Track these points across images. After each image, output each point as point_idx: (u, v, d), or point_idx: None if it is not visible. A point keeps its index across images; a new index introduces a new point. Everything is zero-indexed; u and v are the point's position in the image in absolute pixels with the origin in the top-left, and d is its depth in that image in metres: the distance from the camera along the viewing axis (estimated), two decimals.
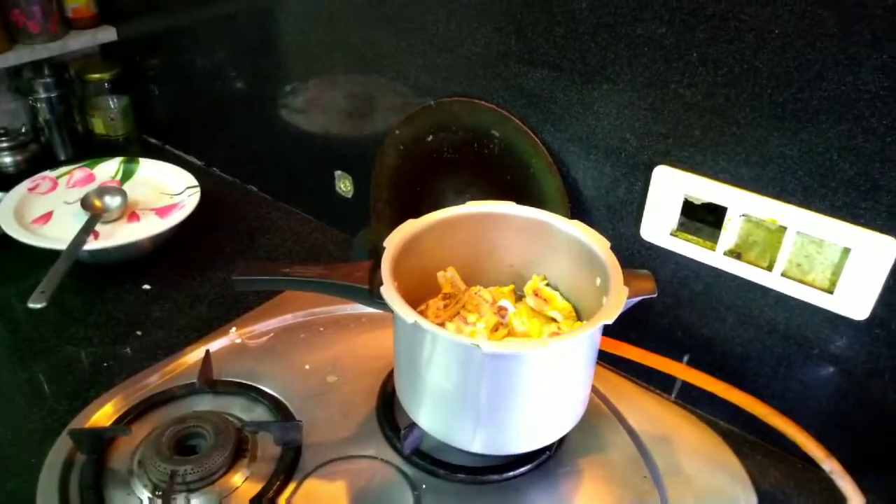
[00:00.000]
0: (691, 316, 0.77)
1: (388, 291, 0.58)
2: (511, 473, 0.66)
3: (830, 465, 0.66)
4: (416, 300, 0.71)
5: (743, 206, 0.67)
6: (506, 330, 0.67)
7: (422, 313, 0.70)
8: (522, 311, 0.68)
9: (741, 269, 0.70)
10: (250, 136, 1.16)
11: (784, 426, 0.68)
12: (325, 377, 0.77)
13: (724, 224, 0.69)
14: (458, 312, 0.69)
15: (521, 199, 0.82)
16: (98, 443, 0.66)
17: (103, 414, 0.71)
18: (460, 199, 0.89)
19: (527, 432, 0.62)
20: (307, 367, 0.78)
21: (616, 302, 0.58)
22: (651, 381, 0.81)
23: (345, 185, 1.05)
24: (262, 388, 0.75)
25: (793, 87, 0.60)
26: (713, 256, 0.71)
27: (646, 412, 0.75)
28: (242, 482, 0.65)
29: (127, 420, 0.70)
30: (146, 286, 0.97)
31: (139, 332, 0.89)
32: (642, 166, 0.73)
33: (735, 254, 0.70)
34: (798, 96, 0.60)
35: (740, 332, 0.74)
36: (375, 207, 0.96)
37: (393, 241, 0.64)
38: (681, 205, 0.72)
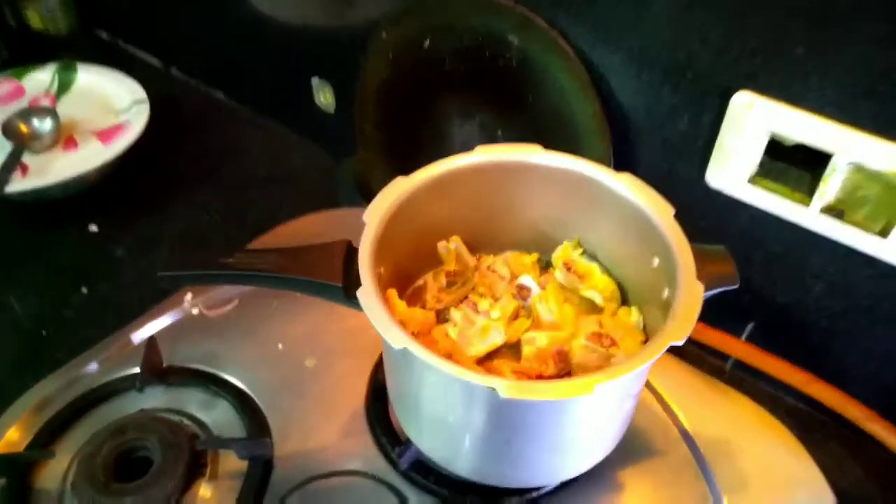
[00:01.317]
0: (764, 280, 0.60)
1: (368, 298, 0.41)
2: (535, 494, 0.53)
3: None
4: (411, 273, 0.55)
5: (855, 151, 0.49)
6: (528, 320, 0.51)
7: (418, 293, 0.54)
8: (550, 294, 0.52)
9: (842, 232, 0.53)
10: (215, 28, 0.95)
11: (882, 432, 0.54)
12: (302, 360, 0.62)
13: (825, 174, 0.51)
14: (466, 296, 0.53)
15: (545, 127, 0.63)
16: (15, 467, 0.53)
17: (24, 423, 0.57)
18: (468, 124, 0.71)
19: (551, 469, 0.48)
20: (280, 346, 0.63)
21: (687, 312, 0.41)
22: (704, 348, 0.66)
23: (325, 96, 0.86)
24: (223, 376, 0.60)
25: None
26: (805, 213, 0.54)
27: (700, 400, 0.60)
28: None
29: (53, 430, 0.56)
30: (93, 227, 0.81)
31: (85, 289, 0.74)
32: (716, 92, 0.54)
33: (836, 211, 0.53)
34: None
35: (829, 303, 0.58)
36: (362, 130, 0.77)
37: (375, 214, 0.47)
38: (765, 145, 0.53)
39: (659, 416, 0.59)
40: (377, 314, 0.41)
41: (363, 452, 0.56)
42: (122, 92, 0.88)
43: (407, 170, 0.76)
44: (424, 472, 0.53)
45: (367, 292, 0.42)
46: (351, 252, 0.46)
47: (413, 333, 0.48)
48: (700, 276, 0.44)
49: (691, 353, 0.65)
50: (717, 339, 0.61)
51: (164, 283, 0.46)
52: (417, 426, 0.49)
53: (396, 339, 0.40)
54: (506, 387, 0.37)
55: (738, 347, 0.59)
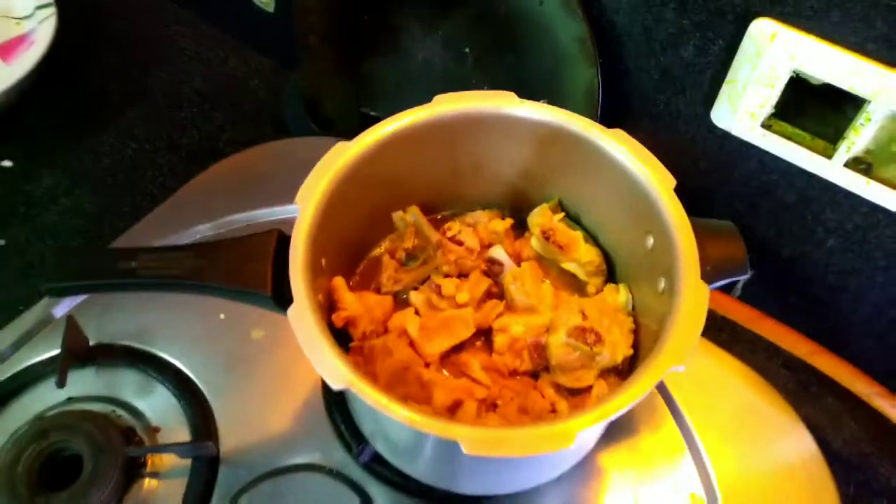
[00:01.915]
0: (770, 230, 0.53)
1: (302, 323, 0.34)
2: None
3: None
4: (366, 244, 0.47)
5: None
6: (500, 304, 0.44)
7: (373, 266, 0.46)
8: (525, 274, 0.44)
9: (868, 188, 0.45)
10: None
11: (892, 411, 0.49)
12: (248, 331, 0.55)
13: (856, 122, 0.42)
14: (429, 276, 0.45)
15: (523, 47, 0.53)
16: None
17: None
18: (430, 39, 0.59)
19: (519, 482, 0.43)
20: (222, 316, 0.55)
21: (689, 324, 0.34)
22: None
23: None
24: (159, 354, 0.53)
25: None
26: (826, 164, 0.45)
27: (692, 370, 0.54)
28: None
29: None
30: (6, 162, 0.71)
31: (2, 241, 0.65)
32: (732, 16, 0.43)
33: (863, 165, 0.44)
34: None
35: (841, 260, 0.51)
36: (306, 42, 0.65)
37: (311, 197, 0.38)
38: (784, 84, 0.44)
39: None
40: (312, 346, 0.33)
41: (320, 442, 0.50)
42: None
43: (360, 88, 0.65)
44: (385, 464, 0.48)
45: (299, 314, 0.34)
46: (282, 246, 0.38)
47: (365, 335, 0.41)
48: (703, 264, 0.37)
49: None
50: (714, 298, 0.54)
51: (54, 294, 0.37)
52: (373, 435, 0.43)
53: (336, 378, 0.32)
54: (470, 441, 0.31)
55: (740, 311, 0.53)
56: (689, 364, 0.47)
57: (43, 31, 0.71)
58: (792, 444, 0.53)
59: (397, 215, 0.45)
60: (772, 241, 0.53)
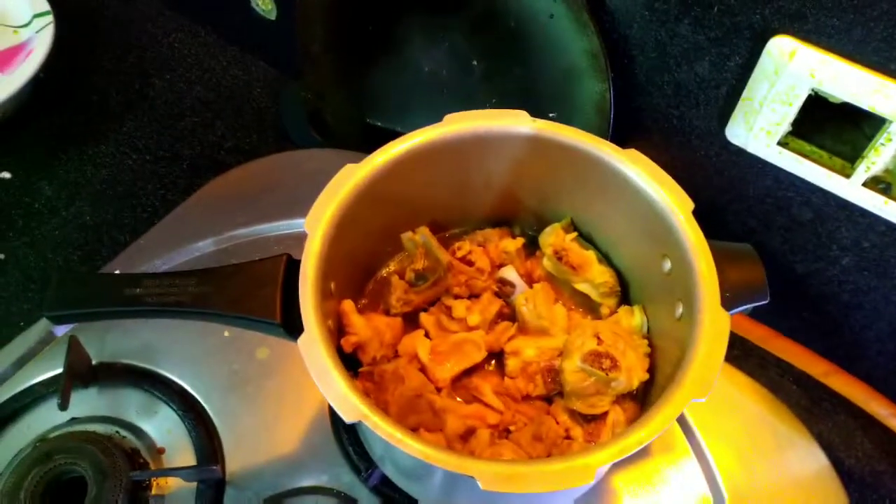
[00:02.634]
0: (784, 246, 0.52)
1: (312, 352, 0.33)
2: None
3: None
4: (374, 264, 0.46)
5: None
6: (512, 326, 0.43)
7: (382, 286, 0.45)
8: (537, 295, 0.43)
9: (886, 208, 0.44)
10: None
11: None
12: (253, 350, 0.54)
13: (877, 142, 0.41)
14: (439, 298, 0.44)
15: (532, 60, 0.52)
16: None
17: None
18: (435, 50, 0.58)
19: None
20: (227, 334, 0.55)
21: (710, 355, 0.33)
22: None
23: (262, 0, 0.71)
24: (163, 373, 0.53)
25: None
26: (843, 183, 0.44)
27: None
28: None
29: None
30: (5, 174, 0.70)
31: (1, 255, 0.64)
32: (749, 33, 0.42)
33: (882, 185, 0.43)
34: None
35: (856, 278, 0.50)
36: (308, 52, 0.64)
37: (320, 222, 0.37)
38: (802, 101, 0.43)
39: None
40: (325, 379, 0.32)
41: (327, 464, 0.49)
42: (18, 2, 0.73)
43: (364, 98, 0.64)
44: (397, 488, 0.47)
45: (310, 342, 0.33)
46: (291, 271, 0.37)
47: (375, 360, 0.40)
48: (724, 279, 0.36)
49: None
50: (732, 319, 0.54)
51: (53, 322, 0.36)
52: (382, 461, 0.43)
53: (349, 412, 0.32)
54: (487, 477, 0.30)
55: (753, 329, 0.52)
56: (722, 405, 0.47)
57: (41, 39, 0.70)
58: (804, 461, 0.52)
59: (406, 236, 0.44)
60: (785, 257, 0.52)
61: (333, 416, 0.51)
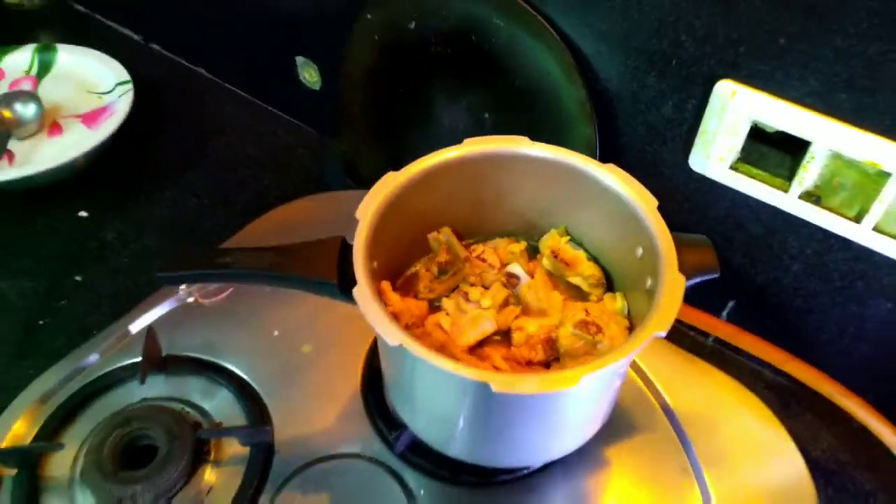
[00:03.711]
0: (744, 260, 0.62)
1: (363, 297, 0.43)
2: (525, 472, 0.55)
3: None
4: (403, 262, 0.56)
5: (834, 141, 0.50)
6: (518, 308, 0.53)
7: (411, 281, 0.55)
8: (538, 282, 0.53)
9: (819, 217, 0.54)
10: (196, 1, 0.93)
11: (854, 407, 0.57)
12: (298, 346, 0.64)
13: (804, 161, 0.53)
14: (458, 286, 0.54)
15: (532, 110, 0.64)
16: (25, 459, 0.55)
17: (30, 414, 0.59)
18: (455, 107, 0.71)
19: (543, 450, 0.50)
20: (276, 333, 0.65)
21: (669, 303, 0.43)
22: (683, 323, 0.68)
23: (310, 74, 0.86)
24: (222, 364, 0.62)
25: None
26: (784, 198, 0.55)
27: (682, 378, 0.63)
28: (205, 496, 0.54)
29: (59, 420, 0.58)
30: (83, 213, 0.81)
31: (79, 277, 0.75)
32: (700, 80, 0.54)
33: (813, 197, 0.54)
34: None
35: (805, 283, 0.60)
36: (348, 112, 0.77)
37: (367, 212, 0.48)
38: (746, 132, 0.54)
39: (642, 392, 0.62)
40: (373, 313, 0.42)
41: (360, 435, 0.58)
42: (104, 73, 0.87)
43: (393, 151, 0.76)
44: (420, 453, 0.56)
45: (362, 291, 0.43)
46: (344, 248, 0.48)
47: (407, 325, 0.50)
48: (682, 267, 0.46)
49: (673, 331, 0.67)
50: (700, 318, 0.63)
51: (163, 282, 0.47)
52: (412, 413, 0.51)
53: (393, 336, 0.41)
54: (498, 382, 0.39)
55: (719, 327, 0.62)
56: (694, 385, 0.55)
57: (121, 103, 0.84)
58: (782, 462, 0.60)
59: (432, 236, 0.55)
60: (746, 271, 0.62)
61: (365, 396, 0.60)
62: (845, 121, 0.49)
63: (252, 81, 0.94)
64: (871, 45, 0.45)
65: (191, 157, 0.88)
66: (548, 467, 0.56)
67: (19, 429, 0.57)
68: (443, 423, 0.49)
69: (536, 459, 0.52)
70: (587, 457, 0.57)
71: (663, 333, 0.42)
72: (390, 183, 0.51)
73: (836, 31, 0.46)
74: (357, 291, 0.43)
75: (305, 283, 0.46)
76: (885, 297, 0.56)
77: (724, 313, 0.66)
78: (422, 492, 0.55)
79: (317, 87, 0.86)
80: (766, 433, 0.61)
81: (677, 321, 0.66)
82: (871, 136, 0.49)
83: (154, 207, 0.82)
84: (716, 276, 0.47)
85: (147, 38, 1.04)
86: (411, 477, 0.55)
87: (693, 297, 0.64)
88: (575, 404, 0.46)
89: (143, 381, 0.57)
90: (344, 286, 0.46)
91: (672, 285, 0.44)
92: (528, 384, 0.39)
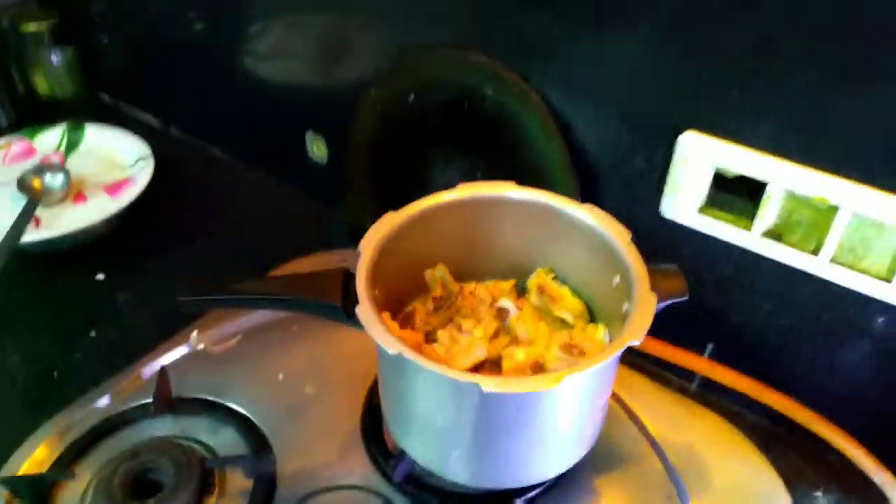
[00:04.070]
0: (718, 301, 0.66)
1: (365, 313, 0.47)
2: (519, 500, 0.57)
3: (882, 477, 0.58)
4: (401, 300, 0.61)
5: (787, 181, 0.56)
6: (507, 337, 0.57)
7: (408, 317, 0.60)
8: (526, 315, 0.58)
9: (781, 253, 0.59)
10: (211, 89, 1.02)
11: (828, 433, 0.59)
12: (301, 388, 0.67)
13: (763, 201, 0.58)
14: (452, 318, 0.58)
15: (519, 169, 0.70)
16: (38, 488, 0.57)
17: (47, 447, 0.61)
18: (449, 169, 0.78)
19: (534, 466, 0.53)
20: (281, 376, 0.68)
21: (642, 316, 0.47)
22: (669, 369, 0.72)
23: (318, 148, 0.93)
24: (229, 405, 0.65)
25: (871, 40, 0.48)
26: (748, 237, 0.60)
27: (667, 414, 0.66)
28: None
29: (74, 453, 0.60)
30: (100, 275, 0.86)
31: (93, 333, 0.79)
32: (666, 132, 0.61)
33: (775, 235, 0.60)
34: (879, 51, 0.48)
35: (776, 320, 0.64)
36: (352, 179, 0.84)
37: (369, 244, 0.53)
38: (710, 178, 0.60)
39: (631, 430, 0.64)
40: (374, 325, 0.46)
41: (360, 469, 0.60)
42: (127, 149, 0.95)
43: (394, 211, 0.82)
44: (416, 484, 0.58)
45: (364, 309, 0.48)
46: (348, 277, 0.52)
47: None
48: (654, 289, 0.51)
49: (659, 375, 0.71)
50: (680, 356, 0.67)
51: (184, 307, 0.51)
52: (408, 431, 0.54)
53: (392, 345, 0.45)
54: (487, 382, 0.43)
55: (697, 363, 0.65)
56: (680, 421, 0.58)
57: (142, 175, 0.91)
58: (765, 492, 0.62)
59: (429, 272, 0.60)
60: (720, 310, 0.67)
61: (364, 432, 0.63)
62: (796, 161, 0.55)
63: (263, 157, 1.02)
64: (813, 92, 0.52)
65: (203, 226, 0.94)
66: (541, 496, 0.58)
67: (35, 460, 0.60)
68: (437, 437, 0.52)
69: (528, 478, 0.54)
70: (577, 487, 0.59)
71: (637, 342, 0.46)
72: (390, 221, 0.56)
73: (784, 83, 0.53)
74: (360, 309, 0.48)
75: (313, 307, 0.51)
76: (849, 328, 0.60)
77: (706, 355, 0.70)
78: None
79: (324, 161, 0.93)
80: (751, 468, 0.63)
81: (661, 363, 0.70)
82: (818, 174, 0.54)
83: (167, 271, 0.87)
84: (685, 298, 0.52)
85: (166, 122, 1.13)
86: None
87: (675, 340, 0.68)
88: (562, 412, 0.49)
89: (154, 415, 0.60)
90: (348, 309, 0.50)
91: (645, 302, 0.49)
92: (515, 384, 0.43)
